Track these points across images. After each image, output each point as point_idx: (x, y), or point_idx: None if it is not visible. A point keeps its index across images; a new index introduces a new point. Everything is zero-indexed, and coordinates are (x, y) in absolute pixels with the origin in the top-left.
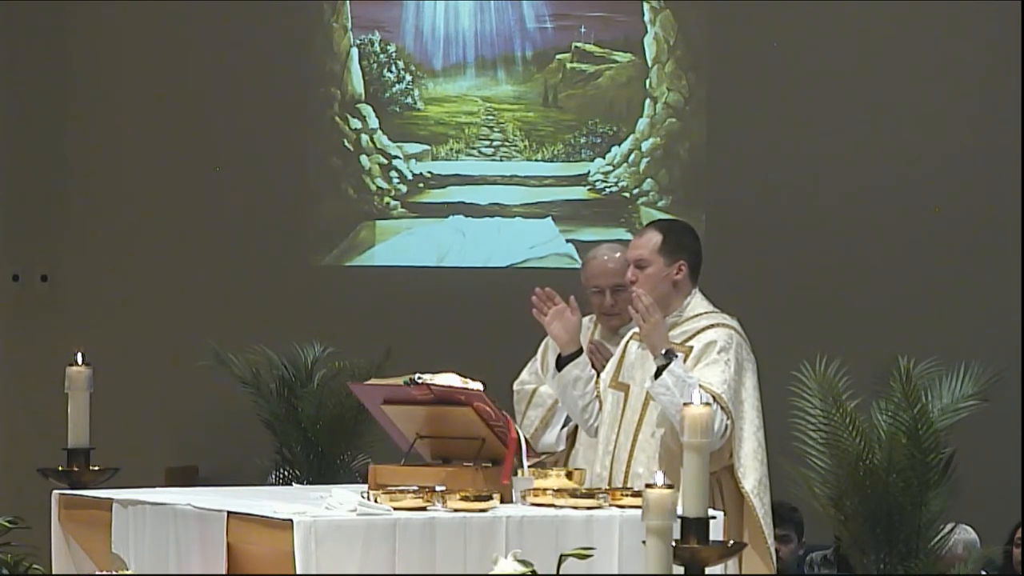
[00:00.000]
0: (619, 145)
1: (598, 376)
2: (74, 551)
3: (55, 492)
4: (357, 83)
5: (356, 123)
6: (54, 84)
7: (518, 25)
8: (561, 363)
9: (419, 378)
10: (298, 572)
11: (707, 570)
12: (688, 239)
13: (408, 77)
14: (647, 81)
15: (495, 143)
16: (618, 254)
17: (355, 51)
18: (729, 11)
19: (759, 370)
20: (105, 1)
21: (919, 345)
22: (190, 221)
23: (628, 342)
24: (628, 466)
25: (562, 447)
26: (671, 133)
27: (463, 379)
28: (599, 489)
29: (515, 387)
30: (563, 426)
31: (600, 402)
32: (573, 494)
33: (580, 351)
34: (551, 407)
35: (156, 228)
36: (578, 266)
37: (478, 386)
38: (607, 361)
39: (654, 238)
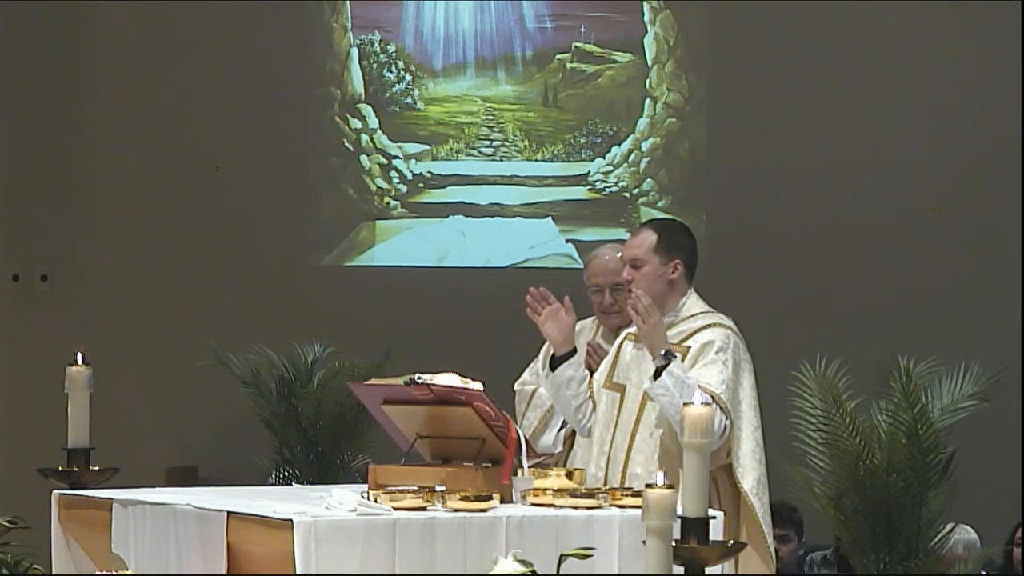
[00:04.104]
0: (619, 145)
1: (591, 376)
2: (74, 551)
3: (55, 492)
4: (357, 83)
5: (356, 123)
6: (54, 85)
7: (518, 25)
8: (555, 363)
9: (419, 378)
10: (298, 572)
11: (707, 570)
12: (683, 238)
13: (408, 77)
14: (647, 81)
15: (495, 143)
16: (619, 253)
17: (355, 51)
18: (729, 11)
19: (758, 370)
20: (105, 2)
21: (919, 345)
22: (190, 221)
23: (623, 342)
24: (625, 466)
25: (560, 449)
26: (671, 133)
27: (463, 379)
28: (599, 489)
29: (516, 387)
30: (561, 428)
31: (594, 403)
32: (573, 494)
33: (574, 351)
34: (550, 408)
35: (156, 228)
36: (578, 266)
37: (478, 386)
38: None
39: (649, 237)
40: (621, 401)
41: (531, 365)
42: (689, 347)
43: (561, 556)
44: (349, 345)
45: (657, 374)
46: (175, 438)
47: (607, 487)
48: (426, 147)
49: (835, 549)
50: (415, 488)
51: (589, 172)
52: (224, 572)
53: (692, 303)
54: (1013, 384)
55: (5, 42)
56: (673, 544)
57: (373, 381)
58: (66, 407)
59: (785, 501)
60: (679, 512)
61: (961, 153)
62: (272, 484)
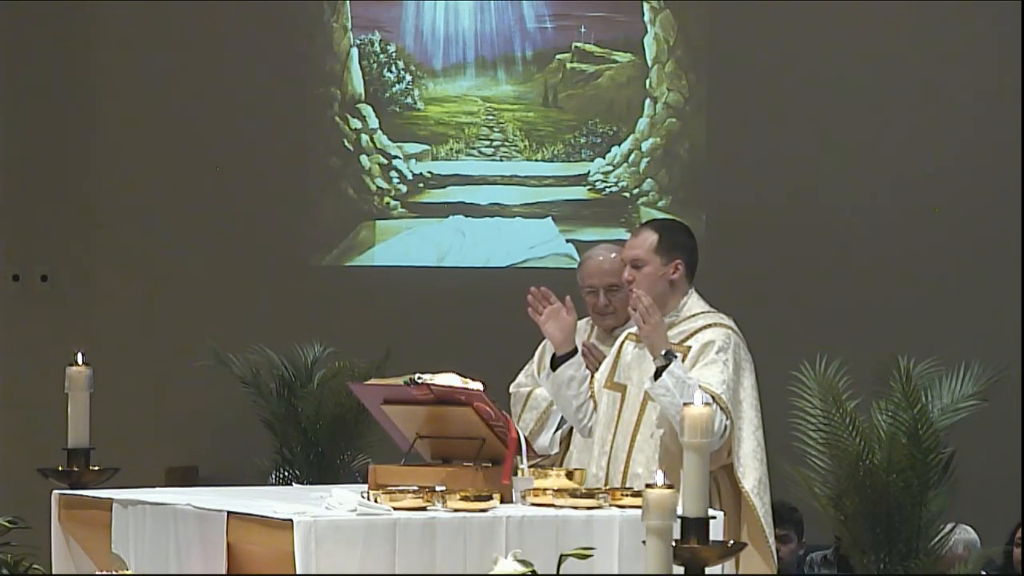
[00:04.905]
0: (619, 145)
1: (592, 376)
2: (74, 551)
3: (55, 492)
4: (357, 83)
5: (356, 123)
6: (55, 85)
7: (518, 25)
8: (556, 363)
9: (419, 378)
10: (298, 572)
11: (707, 570)
12: (684, 238)
13: (408, 77)
14: (647, 81)
15: (495, 143)
16: (613, 254)
17: (355, 51)
18: (729, 11)
19: (758, 370)
20: (105, 2)
21: (919, 345)
22: (190, 221)
23: (623, 342)
24: (626, 466)
25: (556, 450)
26: (671, 133)
27: (463, 379)
28: (599, 489)
29: (511, 389)
30: (557, 429)
31: (595, 403)
32: (573, 494)
33: (575, 351)
34: (546, 410)
35: (156, 228)
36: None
37: (478, 386)
38: (600, 363)
39: (650, 238)
40: (622, 401)
41: (526, 367)
42: (690, 347)
43: (561, 556)
44: (349, 345)
45: (658, 374)
46: (175, 438)
47: (607, 487)
48: (426, 147)
49: (835, 549)
50: (415, 488)
51: (589, 172)
52: (224, 572)
53: (693, 303)
54: (1013, 384)
55: (5, 42)
56: (673, 544)
57: (373, 381)
58: (66, 407)
59: (785, 501)
60: (679, 512)
61: (961, 153)
62: (272, 484)
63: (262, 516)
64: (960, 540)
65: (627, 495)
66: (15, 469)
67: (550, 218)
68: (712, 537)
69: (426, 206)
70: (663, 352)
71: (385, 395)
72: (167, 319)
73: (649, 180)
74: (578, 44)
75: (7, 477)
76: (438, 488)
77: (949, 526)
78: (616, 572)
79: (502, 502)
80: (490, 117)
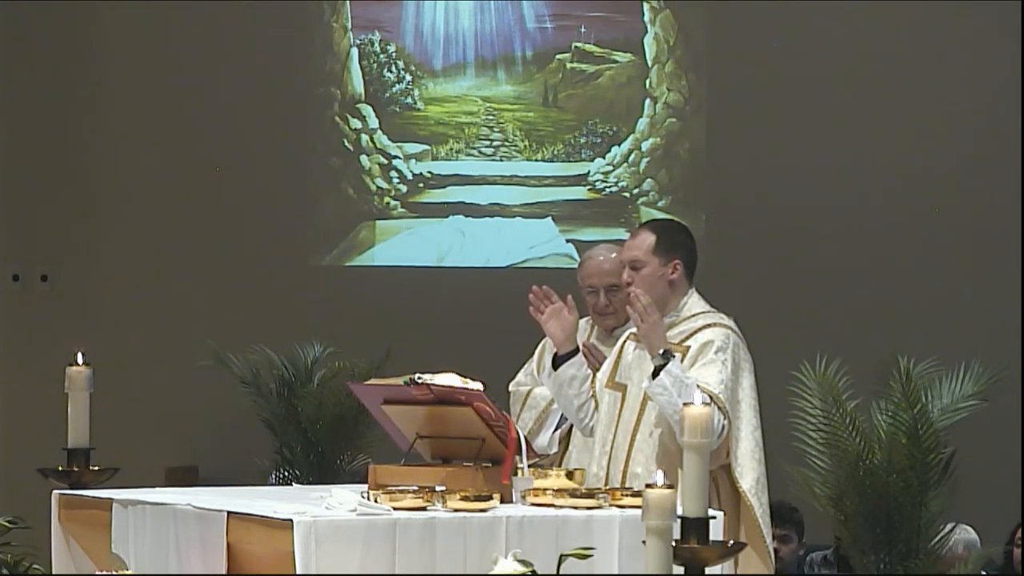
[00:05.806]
0: (619, 145)
1: (594, 376)
2: (74, 551)
3: (55, 492)
4: (357, 83)
5: (356, 123)
6: (55, 85)
7: (518, 25)
8: (557, 362)
9: (419, 378)
10: (298, 572)
11: (707, 570)
12: (682, 238)
13: (408, 77)
14: (647, 81)
15: (495, 143)
16: (613, 254)
17: (355, 51)
18: (729, 11)
19: (758, 370)
20: (106, 1)
21: (919, 345)
22: (191, 221)
23: (625, 342)
24: (626, 466)
25: (555, 450)
26: (671, 133)
27: (463, 379)
28: (599, 489)
29: (510, 388)
30: (556, 429)
31: (596, 402)
32: (573, 494)
33: (577, 350)
34: (545, 409)
35: (156, 228)
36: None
37: (478, 386)
38: (600, 363)
39: (648, 239)
40: (623, 401)
41: (525, 366)
42: (689, 347)
43: (561, 556)
44: (349, 345)
45: (656, 373)
46: (175, 438)
47: (608, 487)
48: (426, 147)
49: (835, 549)
50: (415, 488)
51: (589, 172)
52: (224, 572)
53: (693, 303)
54: (1013, 384)
55: (5, 42)
56: (673, 544)
57: (373, 381)
58: (66, 407)
59: (785, 501)
60: (679, 512)
61: (961, 153)
62: (272, 484)
63: (262, 516)
64: (960, 540)
65: (627, 495)
66: (15, 469)
67: (550, 218)
68: (712, 537)
69: (426, 206)
70: (661, 351)
71: (385, 395)
72: (167, 319)
73: (649, 180)
74: (578, 44)
75: (7, 477)
76: (438, 488)
77: (949, 526)
78: (616, 572)
79: (502, 502)
80: (490, 117)
